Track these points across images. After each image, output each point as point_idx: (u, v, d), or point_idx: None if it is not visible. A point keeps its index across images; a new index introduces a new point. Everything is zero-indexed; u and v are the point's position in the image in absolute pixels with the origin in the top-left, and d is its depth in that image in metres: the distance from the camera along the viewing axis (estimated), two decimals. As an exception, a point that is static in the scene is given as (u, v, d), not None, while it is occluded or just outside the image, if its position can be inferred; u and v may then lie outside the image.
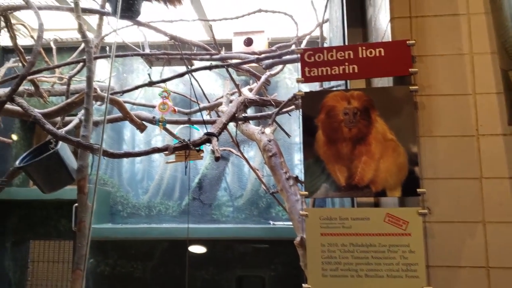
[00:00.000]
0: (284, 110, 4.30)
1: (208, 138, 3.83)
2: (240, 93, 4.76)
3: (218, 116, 5.29)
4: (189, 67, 5.18)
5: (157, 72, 6.36)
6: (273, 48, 4.82)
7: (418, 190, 1.93)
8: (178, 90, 6.29)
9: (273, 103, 4.66)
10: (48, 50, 5.96)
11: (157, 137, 6.78)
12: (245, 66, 4.98)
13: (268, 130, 3.82)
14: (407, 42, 2.05)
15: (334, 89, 3.77)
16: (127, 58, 6.88)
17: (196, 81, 4.66)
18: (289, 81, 6.60)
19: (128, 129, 6.82)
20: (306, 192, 1.95)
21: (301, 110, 2.01)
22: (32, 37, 5.92)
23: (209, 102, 5.15)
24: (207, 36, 6.42)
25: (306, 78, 2.08)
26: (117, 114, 4.72)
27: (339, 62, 2.02)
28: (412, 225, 1.90)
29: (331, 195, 1.96)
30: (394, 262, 1.89)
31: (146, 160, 6.69)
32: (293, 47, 4.95)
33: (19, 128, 7.03)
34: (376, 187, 1.92)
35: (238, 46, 5.98)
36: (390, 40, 2.11)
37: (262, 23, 6.26)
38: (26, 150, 6.98)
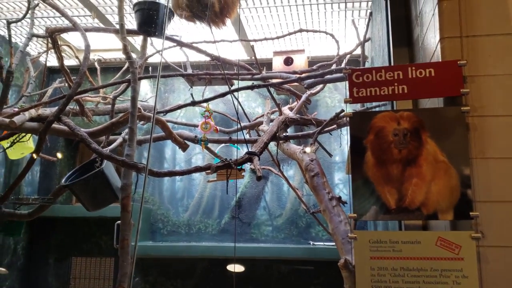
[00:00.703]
0: (326, 129, 4.26)
1: (249, 157, 3.83)
2: (280, 112, 4.76)
3: (259, 135, 5.30)
4: (230, 86, 5.23)
5: (198, 92, 6.44)
6: (314, 67, 4.80)
7: (471, 213, 1.87)
8: (219, 109, 6.35)
9: (314, 122, 4.64)
10: (92, 70, 6.12)
11: (198, 156, 6.84)
12: (286, 86, 4.99)
13: (309, 150, 3.80)
14: (458, 62, 2.00)
15: (377, 109, 3.73)
16: (168, 78, 7.00)
17: (238, 101, 4.68)
18: (329, 99, 6.57)
19: (169, 147, 6.91)
20: (355, 215, 1.92)
21: (349, 130, 1.99)
22: (77, 57, 6.09)
23: (249, 121, 5.17)
24: (247, 55, 6.48)
25: (354, 99, 2.05)
26: (159, 133, 4.78)
27: (388, 83, 2.00)
28: (465, 249, 1.84)
29: (381, 218, 1.92)
30: (447, 287, 1.83)
31: (186, 179, 6.75)
32: (334, 66, 4.93)
33: (64, 146, 7.21)
34: (428, 210, 1.87)
35: (278, 65, 6.00)
36: (440, 60, 2.07)
37: (301, 42, 6.29)
38: (70, 169, 7.18)
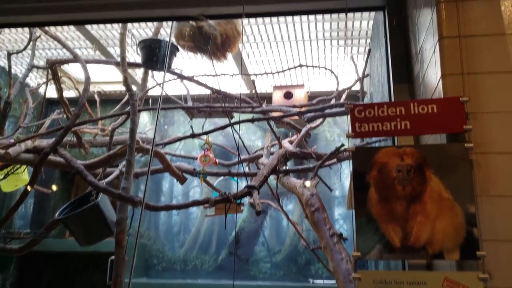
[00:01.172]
0: (326, 163, 4.23)
1: (249, 191, 3.77)
2: (280, 146, 4.73)
3: (258, 168, 5.26)
4: (230, 119, 5.21)
5: (198, 124, 6.42)
6: (314, 101, 4.80)
7: (477, 253, 1.81)
8: (218, 142, 6.32)
9: (314, 156, 4.60)
10: (91, 102, 6.12)
11: (196, 189, 6.78)
12: (286, 119, 4.97)
13: (310, 184, 3.75)
14: (461, 98, 1.98)
15: (377, 144, 3.71)
16: (168, 110, 7.01)
17: (238, 133, 4.65)
18: (328, 134, 6.55)
19: (166, 180, 6.85)
20: (359, 253, 1.85)
21: (351, 165, 1.95)
22: (77, 89, 6.09)
23: (249, 154, 5.13)
24: (247, 89, 6.49)
25: (356, 133, 2.02)
26: (158, 165, 4.73)
27: (390, 118, 1.97)
28: (472, 291, 1.78)
29: (385, 257, 1.86)
30: (454, 330, 1.75)
31: (183, 213, 6.66)
32: (333, 100, 4.93)
33: (59, 179, 7.14)
34: (433, 249, 1.81)
35: (278, 99, 6.00)
36: (442, 96, 2.04)
37: (301, 77, 6.32)
38: (65, 201, 7.09)
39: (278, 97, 6.05)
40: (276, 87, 6.15)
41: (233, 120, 4.64)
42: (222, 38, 4.05)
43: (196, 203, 3.76)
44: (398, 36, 2.92)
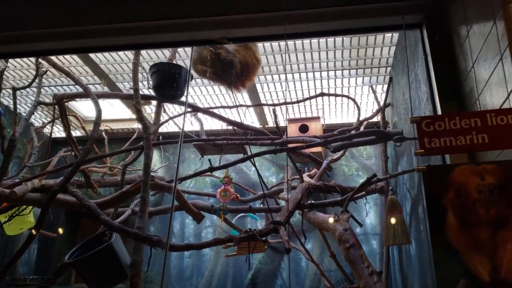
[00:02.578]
0: (355, 196, 3.95)
1: (275, 227, 3.49)
2: (302, 179, 4.46)
3: (277, 204, 4.97)
4: (245, 153, 4.96)
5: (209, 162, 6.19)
6: (335, 132, 4.55)
7: None
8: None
9: (338, 189, 4.33)
10: (98, 141, 5.88)
11: (208, 229, 6.43)
12: (306, 152, 4.72)
13: (342, 218, 3.46)
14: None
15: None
16: (177, 148, 6.76)
17: (255, 167, 4.39)
18: (346, 168, 6.27)
19: (177, 221, 6.52)
20: (438, 291, 1.56)
21: (423, 187, 1.68)
22: (83, 128, 5.87)
23: (267, 189, 4.85)
24: (259, 124, 6.25)
25: (426, 150, 1.75)
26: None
27: (464, 131, 1.71)
28: None
29: (473, 295, 1.56)
30: None
31: (196, 255, 6.29)
32: (353, 131, 4.69)
33: (64, 222, 6.81)
34: (529, 284, 1.52)
35: (293, 133, 5.76)
36: None
37: (315, 108, 6.09)
38: (70, 246, 6.72)
39: (293, 131, 5.81)
40: (290, 120, 5.92)
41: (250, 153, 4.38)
42: (241, 66, 3.84)
43: (218, 241, 3.49)
44: (441, 52, 2.70)
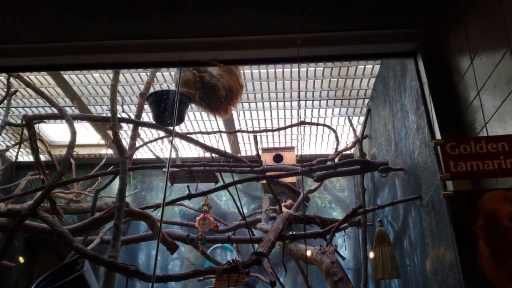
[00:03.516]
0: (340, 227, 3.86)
1: (257, 258, 3.35)
2: (280, 209, 4.35)
3: (253, 234, 4.82)
4: (218, 182, 4.83)
5: (178, 190, 6.00)
6: (314, 161, 4.49)
7: None
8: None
9: (318, 220, 4.25)
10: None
11: (175, 262, 6.18)
12: (284, 181, 4.64)
13: (328, 250, 3.35)
14: None
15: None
16: (146, 175, 6.56)
17: (238, 195, 4.26)
18: (319, 200, 6.21)
19: (143, 252, 6.26)
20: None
21: (450, 213, 1.60)
22: (49, 152, 5.59)
23: (244, 219, 4.70)
24: (231, 152, 6.14)
25: (452, 174, 1.68)
26: (145, 231, 4.25)
27: (491, 156, 1.65)
28: None
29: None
30: None
31: None
32: (334, 161, 4.64)
33: (22, 251, 6.42)
34: None
35: (266, 163, 5.67)
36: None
37: (289, 139, 6.04)
38: (27, 277, 6.36)
39: (267, 160, 5.72)
40: (265, 150, 5.85)
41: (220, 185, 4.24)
42: (225, 90, 3.75)
43: (199, 273, 3.31)
44: (439, 80, 2.68)
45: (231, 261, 3.25)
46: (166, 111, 3.82)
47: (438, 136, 2.54)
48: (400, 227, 3.76)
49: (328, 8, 2.79)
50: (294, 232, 4.06)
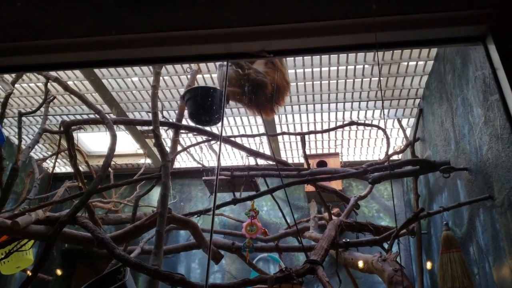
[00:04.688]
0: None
1: (311, 267, 3.10)
2: (330, 216, 4.09)
3: (300, 243, 4.56)
4: (256, 191, 4.61)
5: (218, 200, 5.80)
6: (363, 165, 4.22)
7: None
8: (241, 218, 5.68)
9: (371, 228, 3.97)
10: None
11: (216, 274, 5.94)
12: (332, 187, 4.38)
13: (390, 257, 3.07)
14: None
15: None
16: (184, 185, 6.40)
17: (277, 202, 4.05)
18: (366, 209, 5.90)
19: (182, 265, 6.05)
20: None
21: None
22: (87, 162, 5.47)
23: (289, 227, 4.45)
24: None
25: None
26: (189, 240, 4.04)
27: None
28: None
29: None
30: None
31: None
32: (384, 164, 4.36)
33: (59, 264, 6.30)
34: None
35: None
36: None
37: (334, 146, 5.79)
38: (64, 292, 6.23)
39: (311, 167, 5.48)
40: (308, 156, 5.59)
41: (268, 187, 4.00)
42: (271, 88, 3.53)
43: (248, 282, 3.10)
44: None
45: (284, 269, 3.02)
46: (202, 108, 3.62)
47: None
48: (465, 232, 3.45)
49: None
50: (348, 240, 3.79)
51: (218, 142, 4.36)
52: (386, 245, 3.68)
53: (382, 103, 4.68)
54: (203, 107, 3.66)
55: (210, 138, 4.10)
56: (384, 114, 5.07)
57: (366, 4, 2.39)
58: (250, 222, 3.55)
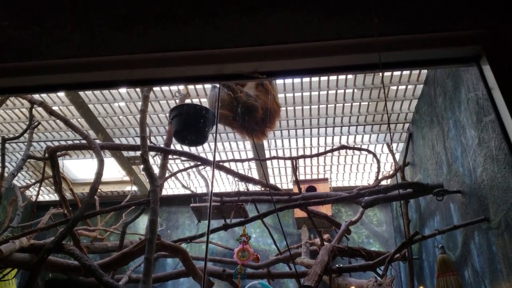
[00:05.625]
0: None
1: (306, 293, 3.03)
2: (322, 242, 4.02)
3: (290, 269, 4.47)
4: (245, 217, 4.53)
5: (204, 227, 5.70)
6: (354, 190, 4.17)
7: None
8: (229, 246, 5.59)
9: (364, 253, 3.91)
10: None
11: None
12: (323, 212, 4.32)
13: (385, 281, 3.01)
14: None
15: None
16: (171, 213, 6.29)
17: (267, 228, 3.98)
18: (356, 235, 5.84)
19: (170, 292, 5.90)
20: None
21: None
22: (71, 190, 5.34)
23: (280, 253, 4.36)
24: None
25: None
26: (178, 267, 3.92)
27: None
28: None
29: None
30: None
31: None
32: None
33: (43, 293, 6.11)
34: None
35: (300, 195, 5.38)
36: None
37: (322, 172, 5.76)
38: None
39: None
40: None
41: (261, 212, 3.93)
42: (262, 111, 3.50)
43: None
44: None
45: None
46: (188, 127, 3.56)
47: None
48: (459, 255, 3.40)
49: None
50: (341, 265, 3.72)
51: (208, 168, 4.28)
52: (379, 271, 3.63)
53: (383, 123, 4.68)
54: (189, 125, 3.60)
55: (199, 163, 4.02)
56: (375, 139, 5.06)
57: (363, 23, 2.38)
58: (242, 248, 3.46)
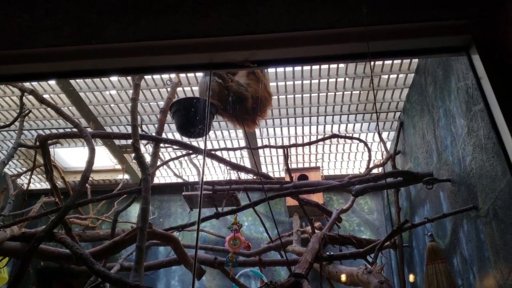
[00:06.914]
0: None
1: (296, 280, 3.04)
2: (313, 230, 4.04)
3: (281, 257, 4.50)
4: (237, 206, 4.54)
5: (195, 215, 5.71)
6: (345, 179, 4.20)
7: None
8: (222, 234, 5.61)
9: (354, 241, 3.93)
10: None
11: (198, 292, 5.83)
12: (314, 200, 4.34)
13: (376, 269, 3.03)
14: None
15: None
16: (163, 201, 6.29)
17: (259, 216, 4.00)
18: (347, 223, 5.88)
19: (162, 282, 5.92)
20: None
21: None
22: (63, 178, 5.33)
23: (272, 241, 4.39)
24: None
25: None
26: (170, 256, 3.94)
27: None
28: None
29: None
30: None
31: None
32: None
33: (34, 284, 6.11)
34: None
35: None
36: None
37: (315, 160, 5.77)
38: (40, 314, 6.01)
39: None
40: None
41: (253, 201, 3.94)
42: (253, 100, 3.50)
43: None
44: (500, 74, 2.41)
45: (269, 283, 2.95)
46: (190, 120, 3.55)
47: (508, 135, 2.24)
48: (448, 243, 3.44)
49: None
50: (332, 253, 3.74)
51: (200, 156, 4.28)
52: (369, 258, 3.66)
53: (376, 115, 4.69)
54: (190, 119, 3.58)
55: (191, 152, 4.02)
56: (366, 127, 5.08)
57: (354, 12, 2.37)
58: (233, 236, 3.48)
